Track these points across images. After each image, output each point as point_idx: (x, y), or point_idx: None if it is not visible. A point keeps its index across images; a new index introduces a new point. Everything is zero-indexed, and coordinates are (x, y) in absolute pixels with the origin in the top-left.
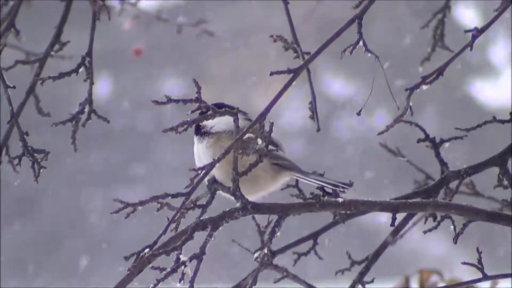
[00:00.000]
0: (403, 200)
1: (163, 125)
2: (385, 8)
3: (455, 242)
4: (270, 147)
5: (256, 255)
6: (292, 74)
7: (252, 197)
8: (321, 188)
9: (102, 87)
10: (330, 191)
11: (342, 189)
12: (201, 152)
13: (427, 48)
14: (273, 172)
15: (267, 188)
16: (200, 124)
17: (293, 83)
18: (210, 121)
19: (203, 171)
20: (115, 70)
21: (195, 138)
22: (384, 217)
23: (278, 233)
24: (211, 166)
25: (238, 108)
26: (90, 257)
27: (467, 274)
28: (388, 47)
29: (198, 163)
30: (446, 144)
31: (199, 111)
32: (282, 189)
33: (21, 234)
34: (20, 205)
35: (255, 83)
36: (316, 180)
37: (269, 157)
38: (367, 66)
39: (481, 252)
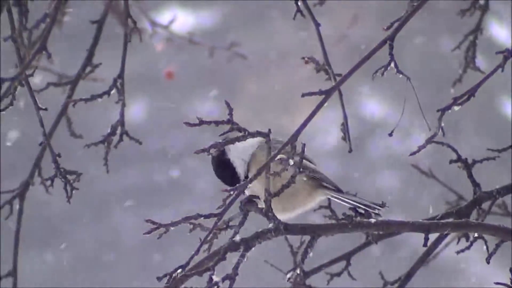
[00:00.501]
0: (435, 221)
1: (196, 147)
2: (417, 28)
3: (488, 263)
4: (304, 163)
5: (288, 275)
6: (324, 96)
7: (288, 215)
8: (354, 209)
9: (135, 110)
10: (363, 211)
11: (375, 210)
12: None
13: (459, 69)
14: (310, 188)
15: (304, 205)
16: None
17: (328, 104)
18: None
19: (235, 192)
20: (148, 93)
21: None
22: (417, 238)
23: (311, 254)
24: (243, 187)
25: (270, 130)
26: (126, 279)
27: None
28: (421, 68)
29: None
30: (480, 165)
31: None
32: (314, 210)
33: (54, 257)
34: (53, 228)
35: (287, 106)
36: (350, 199)
37: (306, 172)
38: (402, 87)
39: None
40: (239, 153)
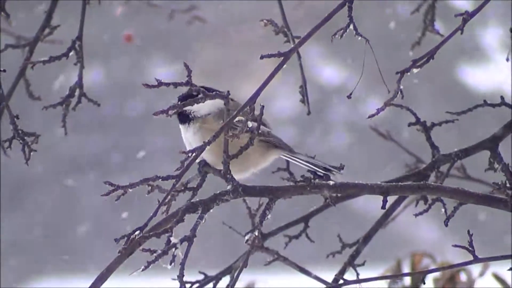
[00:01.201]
0: (394, 183)
1: (154, 110)
2: None
3: (446, 225)
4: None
5: (247, 237)
6: (282, 58)
7: (242, 175)
8: (312, 172)
9: (93, 74)
10: (321, 174)
11: (333, 173)
12: (190, 138)
13: (417, 33)
14: (262, 149)
15: (256, 166)
16: (184, 111)
17: (286, 69)
18: (193, 107)
19: (193, 154)
20: (106, 57)
21: (181, 127)
22: (375, 200)
23: (269, 216)
24: (201, 149)
25: (228, 91)
26: (83, 241)
27: (458, 257)
28: (379, 32)
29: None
30: (438, 129)
31: (189, 94)
32: (273, 172)
33: (13, 220)
34: (11, 190)
35: (246, 69)
36: (307, 162)
37: (259, 135)
38: (359, 52)
39: (472, 235)
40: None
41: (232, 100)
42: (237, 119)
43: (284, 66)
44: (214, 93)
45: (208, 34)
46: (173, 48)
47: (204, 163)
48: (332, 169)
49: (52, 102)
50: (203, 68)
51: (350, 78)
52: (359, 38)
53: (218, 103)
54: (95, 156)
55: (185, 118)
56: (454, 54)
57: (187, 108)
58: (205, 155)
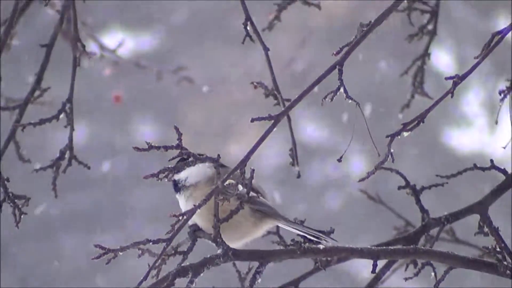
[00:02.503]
0: (384, 247)
1: (139, 169)
2: (364, 53)
3: None
4: (251, 193)
5: None
6: (273, 121)
7: (235, 245)
8: (303, 236)
9: (80, 133)
10: (313, 239)
11: (324, 239)
12: (183, 206)
13: (407, 94)
14: (254, 219)
15: (249, 235)
16: (175, 180)
17: (265, 126)
18: (183, 174)
19: (184, 217)
20: (93, 116)
21: (177, 196)
22: (365, 264)
23: (259, 280)
24: (191, 212)
25: (219, 155)
26: None
27: None
28: (367, 91)
29: None
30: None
31: (179, 158)
32: (263, 236)
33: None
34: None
35: (235, 130)
36: (298, 229)
37: (250, 203)
38: (342, 111)
39: None
40: (192, 175)
41: (222, 166)
42: (227, 183)
43: (269, 124)
44: (204, 156)
45: (196, 95)
46: (161, 108)
47: (195, 227)
48: (323, 236)
49: (40, 163)
50: (192, 129)
51: (332, 137)
52: (350, 101)
53: (208, 170)
54: (80, 214)
55: (176, 187)
56: (437, 116)
57: (177, 177)
58: (197, 220)
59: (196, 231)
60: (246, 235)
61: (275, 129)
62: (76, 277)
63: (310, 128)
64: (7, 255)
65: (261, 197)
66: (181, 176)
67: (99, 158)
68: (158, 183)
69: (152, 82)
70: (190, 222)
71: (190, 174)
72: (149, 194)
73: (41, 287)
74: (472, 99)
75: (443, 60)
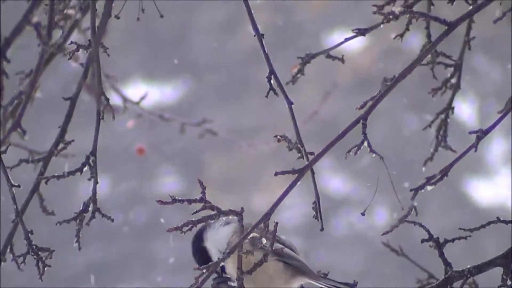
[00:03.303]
0: None
1: (163, 222)
2: (388, 106)
3: None
4: (277, 246)
5: None
6: (296, 175)
7: None
8: None
9: (104, 184)
10: None
11: None
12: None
13: (429, 148)
14: (286, 277)
15: None
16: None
17: (288, 178)
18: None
19: (208, 271)
20: (118, 168)
21: None
22: None
23: None
24: (215, 265)
25: (242, 208)
26: None
27: None
28: (389, 144)
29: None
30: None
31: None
32: None
33: None
34: None
35: (258, 182)
36: (326, 284)
37: (279, 255)
38: (366, 163)
39: None
40: (215, 243)
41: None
42: (251, 236)
43: (292, 176)
44: (228, 210)
45: (220, 147)
46: (185, 160)
47: (219, 280)
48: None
49: (63, 215)
50: (215, 181)
51: (356, 189)
52: (373, 155)
53: (235, 229)
54: (103, 265)
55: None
56: (460, 167)
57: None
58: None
59: (220, 283)
60: None
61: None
62: None
63: (336, 179)
64: None
65: (289, 250)
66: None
67: (122, 209)
68: (179, 234)
69: (176, 135)
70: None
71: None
72: (172, 246)
73: None
74: (495, 151)
75: (466, 112)
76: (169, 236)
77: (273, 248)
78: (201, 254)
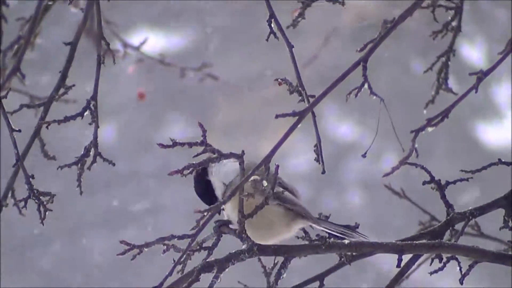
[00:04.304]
0: (408, 242)
1: (167, 169)
2: (390, 49)
3: (461, 283)
4: (278, 189)
5: None
6: (297, 117)
7: (266, 243)
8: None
9: (106, 132)
10: (338, 235)
11: (349, 234)
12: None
13: (431, 91)
14: (287, 220)
15: (280, 236)
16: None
17: (299, 126)
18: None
19: (209, 213)
20: (119, 114)
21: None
22: (390, 259)
23: (284, 275)
24: (216, 208)
25: (243, 151)
26: None
27: None
28: (393, 89)
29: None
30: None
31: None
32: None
33: (24, 279)
34: (24, 250)
35: (260, 129)
36: (326, 227)
37: (279, 200)
38: (374, 109)
39: None
40: (220, 177)
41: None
42: (252, 179)
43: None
44: (229, 153)
45: (221, 92)
46: (187, 105)
47: (220, 223)
48: (350, 233)
49: (66, 161)
50: (218, 126)
51: (365, 135)
52: (374, 97)
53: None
54: (108, 213)
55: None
56: (467, 110)
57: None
58: (231, 217)
59: (221, 226)
60: (278, 236)
61: (299, 126)
62: (105, 275)
63: (344, 125)
64: (34, 255)
65: (290, 194)
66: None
67: (129, 157)
68: (189, 180)
69: (183, 82)
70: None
71: (226, 172)
72: (179, 192)
73: (69, 287)
74: (503, 94)
75: (474, 56)
76: (177, 183)
77: (274, 192)
78: (204, 185)
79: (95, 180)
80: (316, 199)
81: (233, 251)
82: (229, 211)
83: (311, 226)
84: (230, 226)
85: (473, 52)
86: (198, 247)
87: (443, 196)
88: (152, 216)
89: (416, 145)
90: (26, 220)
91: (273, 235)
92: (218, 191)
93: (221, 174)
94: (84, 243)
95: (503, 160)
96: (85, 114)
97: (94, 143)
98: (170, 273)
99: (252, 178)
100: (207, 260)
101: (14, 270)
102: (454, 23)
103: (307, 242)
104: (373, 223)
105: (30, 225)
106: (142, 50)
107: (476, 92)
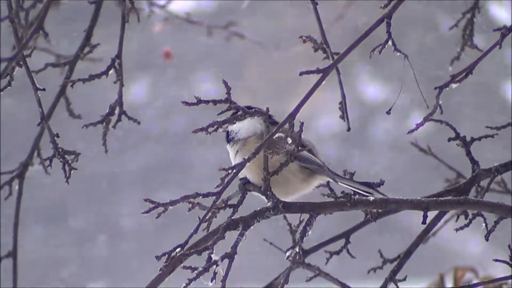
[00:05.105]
0: (434, 199)
1: (196, 127)
2: (417, 8)
3: (487, 239)
4: (302, 153)
5: (288, 254)
6: (321, 74)
7: (284, 200)
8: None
9: (134, 91)
10: (362, 192)
11: (374, 191)
12: (232, 158)
13: (457, 48)
14: (303, 176)
15: (298, 192)
16: (228, 131)
17: (330, 86)
18: (236, 127)
19: (234, 171)
20: (146, 74)
21: (228, 147)
22: (416, 215)
23: (310, 232)
24: (241, 165)
25: (268, 108)
26: (125, 259)
27: (501, 271)
28: (419, 47)
29: None
30: (484, 145)
31: (229, 112)
32: (313, 189)
33: (53, 238)
34: (53, 209)
35: (288, 88)
36: (348, 183)
37: (298, 160)
38: (402, 69)
39: None
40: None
41: (273, 122)
42: (276, 136)
43: (330, 83)
44: (253, 110)
45: (248, 51)
46: (214, 66)
47: (245, 180)
48: (373, 189)
49: (92, 120)
50: (244, 85)
51: (394, 96)
52: (398, 54)
53: (259, 126)
54: (137, 173)
55: (228, 137)
56: (496, 70)
57: (230, 128)
58: (247, 175)
59: (246, 184)
60: (295, 192)
61: (327, 86)
62: (135, 236)
63: (373, 85)
64: (64, 216)
65: (308, 153)
66: (233, 128)
67: (160, 117)
68: (218, 140)
69: (207, 39)
70: (240, 176)
71: (242, 127)
72: (208, 152)
73: (95, 248)
74: None
75: (502, 15)
76: (207, 143)
77: (300, 149)
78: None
79: (125, 139)
80: (345, 158)
81: (258, 208)
82: (253, 170)
83: (334, 181)
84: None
85: (501, 11)
86: (223, 205)
87: (468, 153)
88: (181, 176)
89: (440, 102)
90: (56, 181)
91: (290, 191)
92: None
93: (244, 127)
94: (113, 203)
95: None
96: (110, 72)
97: (119, 101)
98: (196, 231)
99: (276, 135)
100: (232, 217)
101: (46, 231)
102: None
103: (332, 199)
104: (400, 181)
105: (60, 186)
106: (168, 9)
107: (500, 48)
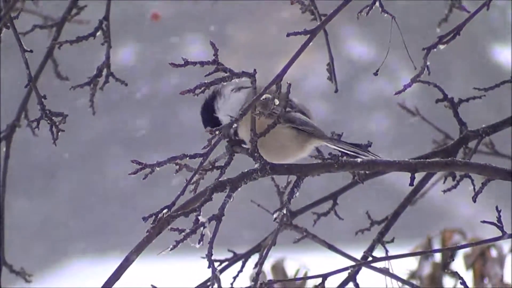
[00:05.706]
0: (421, 160)
1: (185, 89)
2: None
3: (474, 201)
4: (295, 115)
5: (275, 215)
6: (309, 35)
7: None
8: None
9: (123, 54)
10: (351, 153)
11: (362, 152)
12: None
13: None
14: (299, 141)
15: (294, 157)
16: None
17: (320, 47)
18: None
19: (220, 132)
20: (134, 35)
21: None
22: (404, 177)
23: (297, 194)
24: (227, 127)
25: (255, 70)
26: (113, 221)
27: (489, 233)
28: (408, 10)
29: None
30: (471, 106)
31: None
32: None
33: (42, 201)
34: (40, 172)
35: (276, 50)
36: (339, 146)
37: (290, 122)
38: (390, 30)
39: (500, 211)
40: (227, 110)
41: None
42: (263, 97)
43: (318, 44)
44: (241, 71)
45: (236, 14)
46: (202, 28)
47: (232, 142)
48: (361, 150)
49: (80, 82)
50: (233, 47)
51: (382, 57)
52: (385, 15)
53: (241, 96)
54: (125, 135)
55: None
56: (485, 32)
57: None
58: (244, 137)
59: (234, 145)
60: (292, 157)
61: (315, 47)
62: (122, 198)
63: (361, 46)
64: (50, 176)
65: (300, 114)
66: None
67: (148, 79)
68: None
69: (191, 2)
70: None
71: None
72: (196, 114)
73: (83, 209)
74: None
75: None
76: (197, 105)
77: (286, 111)
78: (212, 126)
79: (112, 102)
80: (333, 120)
81: (246, 170)
82: (243, 133)
83: (326, 144)
84: (243, 145)
85: None
86: (210, 167)
87: (456, 114)
88: (169, 139)
89: (428, 63)
90: (43, 143)
91: (286, 156)
92: None
93: (227, 108)
94: (100, 164)
95: None
96: (98, 34)
97: (107, 63)
98: (182, 192)
99: (263, 97)
100: (220, 179)
101: (38, 193)
102: None
103: (320, 161)
104: (388, 142)
105: (48, 148)
106: None
107: (487, 9)
